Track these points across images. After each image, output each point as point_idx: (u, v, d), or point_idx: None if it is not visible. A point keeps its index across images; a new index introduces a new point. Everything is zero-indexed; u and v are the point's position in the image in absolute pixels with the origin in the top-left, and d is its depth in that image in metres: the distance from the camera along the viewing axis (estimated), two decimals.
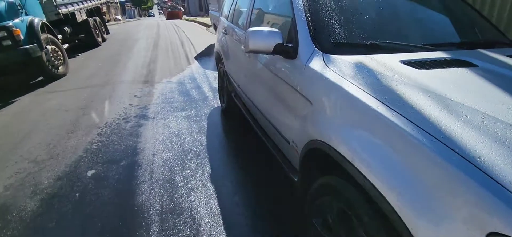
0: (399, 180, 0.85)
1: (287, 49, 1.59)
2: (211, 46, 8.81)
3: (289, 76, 1.58)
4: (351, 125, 1.08)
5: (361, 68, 1.24)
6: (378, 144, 0.95)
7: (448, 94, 0.99)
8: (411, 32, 1.66)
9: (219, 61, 3.75)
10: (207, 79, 5.26)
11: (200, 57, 7.36)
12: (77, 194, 2.19)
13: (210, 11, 9.35)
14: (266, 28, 1.64)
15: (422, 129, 0.85)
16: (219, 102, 3.97)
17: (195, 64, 6.57)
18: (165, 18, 34.02)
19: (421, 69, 1.19)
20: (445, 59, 1.31)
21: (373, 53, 1.38)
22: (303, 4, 1.66)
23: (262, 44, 1.62)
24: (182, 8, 36.06)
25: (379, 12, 1.71)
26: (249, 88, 2.31)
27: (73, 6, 8.07)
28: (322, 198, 1.32)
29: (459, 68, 1.22)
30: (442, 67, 1.23)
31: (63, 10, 7.19)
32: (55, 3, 6.62)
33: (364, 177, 0.95)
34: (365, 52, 1.40)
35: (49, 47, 5.79)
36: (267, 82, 1.88)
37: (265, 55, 1.88)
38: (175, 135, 3.08)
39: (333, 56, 1.37)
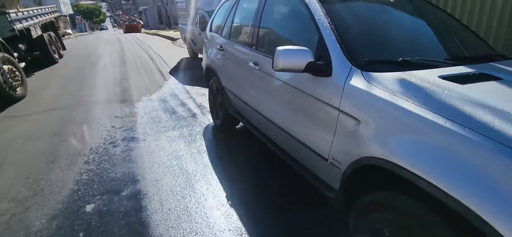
0: (486, 193, 0.89)
1: (319, 67, 1.61)
2: (184, 61, 8.61)
3: (324, 94, 1.59)
4: (419, 142, 1.11)
5: (408, 85, 1.30)
6: (456, 161, 0.98)
7: (502, 106, 1.07)
8: (428, 48, 1.78)
9: (210, 76, 3.66)
10: (189, 95, 5.10)
11: (175, 72, 7.13)
12: (81, 234, 1.95)
13: (179, 24, 9.16)
14: (295, 47, 1.64)
15: (498, 141, 0.91)
16: (211, 119, 3.86)
17: (172, 79, 6.34)
18: (122, 32, 32.49)
19: (462, 84, 1.27)
20: (473, 73, 1.42)
21: (406, 70, 1.45)
22: (329, 23, 1.69)
23: (293, 63, 1.61)
24: (141, 21, 34.76)
25: (399, 29, 1.82)
26: (263, 105, 2.28)
27: (28, 21, 7.35)
28: (374, 214, 1.33)
29: (491, 82, 1.33)
30: (476, 81, 1.33)
31: (18, 26, 6.50)
32: (9, 19, 5.96)
33: (445, 193, 0.97)
34: (398, 68, 1.47)
35: (5, 67, 5.18)
36: (292, 99, 1.87)
37: (287, 73, 1.87)
38: (174, 157, 2.91)
39: (374, 74, 1.42)
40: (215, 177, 2.54)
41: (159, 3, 34.21)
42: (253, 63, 2.34)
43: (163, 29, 27.59)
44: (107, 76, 7.15)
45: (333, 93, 1.53)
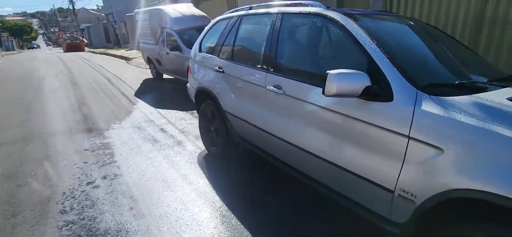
0: None
1: (376, 92, 1.50)
2: (148, 82, 8.00)
3: (385, 120, 1.47)
4: None
5: (490, 109, 1.25)
6: None
7: None
8: (466, 69, 1.81)
9: (201, 100, 3.36)
10: (167, 119, 4.66)
11: (141, 94, 6.53)
12: None
13: (141, 44, 8.54)
14: (349, 70, 1.51)
15: None
16: (201, 146, 3.52)
17: (141, 103, 5.78)
18: (62, 51, 29.48)
19: None
20: None
21: (467, 93, 1.42)
22: (377, 45, 1.61)
23: (348, 87, 1.48)
24: (84, 40, 32.04)
25: (435, 51, 1.82)
26: (288, 131, 2.09)
27: None
28: None
29: None
30: None
31: None
32: None
33: None
34: (460, 92, 1.43)
35: None
36: (336, 125, 1.72)
37: (326, 98, 1.73)
38: (177, 200, 2.51)
39: (447, 98, 1.35)
40: (236, 222, 2.23)
41: (105, 21, 32.08)
42: (274, 86, 2.16)
43: (111, 48, 25.79)
44: (59, 101, 6.25)
45: (399, 119, 1.42)
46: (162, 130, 4.21)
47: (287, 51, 2.22)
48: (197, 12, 7.35)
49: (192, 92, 3.57)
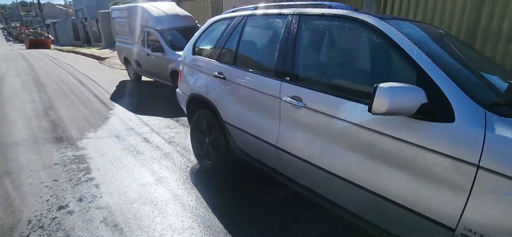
0: None
1: (434, 111, 1.27)
2: (125, 84, 7.40)
3: (444, 145, 1.24)
4: None
5: None
6: None
7: None
8: (502, 82, 1.63)
9: (195, 108, 3.00)
10: (151, 128, 4.21)
11: (119, 99, 5.96)
12: None
13: (118, 43, 7.91)
14: (402, 84, 1.27)
15: None
16: (193, 159, 3.15)
17: (119, 108, 5.24)
18: (25, 47, 27.20)
19: None
20: None
21: None
22: (427, 55, 1.38)
23: (403, 104, 1.24)
24: (50, 36, 29.77)
25: (476, 62, 1.63)
26: (308, 149, 1.81)
27: None
28: None
29: None
30: None
31: None
32: None
33: None
34: None
35: None
36: (375, 147, 1.46)
37: (361, 114, 1.48)
38: (173, 229, 2.13)
39: None
40: None
41: (74, 17, 30.11)
42: (292, 98, 1.87)
43: (81, 46, 24.21)
44: (22, 105, 5.53)
45: (464, 144, 1.19)
46: (146, 140, 3.76)
47: (308, 58, 1.96)
48: (181, 11, 6.91)
49: (183, 99, 3.19)
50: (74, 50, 19.54)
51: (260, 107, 2.18)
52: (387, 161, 1.44)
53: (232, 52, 2.54)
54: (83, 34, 27.28)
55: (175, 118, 4.57)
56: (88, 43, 24.83)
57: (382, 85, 1.25)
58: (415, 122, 1.32)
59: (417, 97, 1.25)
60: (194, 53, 3.07)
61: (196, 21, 7.12)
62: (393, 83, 1.26)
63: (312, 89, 1.78)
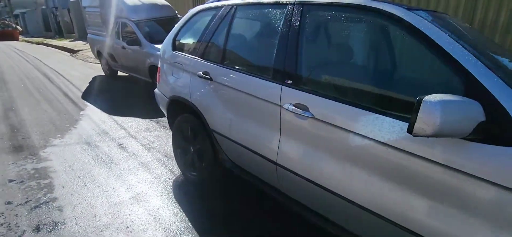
0: None
1: (495, 132, 0.97)
2: (99, 80, 6.80)
3: (505, 174, 0.95)
4: None
5: None
6: None
7: None
8: None
9: (177, 112, 2.61)
10: (126, 131, 3.76)
11: (91, 97, 5.41)
12: None
13: (90, 35, 7.24)
14: (453, 96, 0.96)
15: None
16: (176, 169, 2.77)
17: (91, 108, 4.72)
18: None
19: None
20: None
21: None
22: (478, 59, 1.08)
23: (457, 123, 0.93)
24: (18, 27, 27.71)
25: None
26: (324, 172, 1.48)
27: None
28: None
29: None
30: None
31: None
32: None
33: None
34: None
35: None
36: (420, 177, 1.16)
37: (395, 132, 1.17)
38: None
39: None
40: None
41: (44, 7, 28.14)
42: (295, 106, 1.54)
43: (52, 37, 22.67)
44: None
45: None
46: (121, 146, 3.32)
47: (316, 57, 1.62)
48: (159, 0, 6.36)
49: (162, 101, 2.79)
50: (45, 42, 18.22)
51: (255, 115, 1.83)
52: (425, 192, 1.14)
53: (220, 48, 2.17)
54: (55, 25, 25.62)
55: (155, 119, 4.13)
56: (60, 34, 23.33)
57: (429, 98, 0.93)
58: (467, 144, 1.02)
59: (474, 114, 0.95)
60: (174, 48, 2.66)
61: (176, 11, 6.60)
62: (443, 95, 0.95)
63: (321, 96, 1.45)
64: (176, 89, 2.52)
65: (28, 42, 20.19)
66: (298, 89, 1.56)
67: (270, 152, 1.73)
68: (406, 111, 1.16)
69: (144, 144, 3.39)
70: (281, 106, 1.63)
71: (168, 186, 2.55)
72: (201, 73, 2.20)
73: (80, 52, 11.49)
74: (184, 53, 2.50)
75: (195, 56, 2.34)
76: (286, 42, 1.66)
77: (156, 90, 2.97)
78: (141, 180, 2.65)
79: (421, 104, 0.93)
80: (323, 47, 1.64)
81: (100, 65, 7.60)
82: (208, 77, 2.14)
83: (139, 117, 4.23)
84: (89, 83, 6.52)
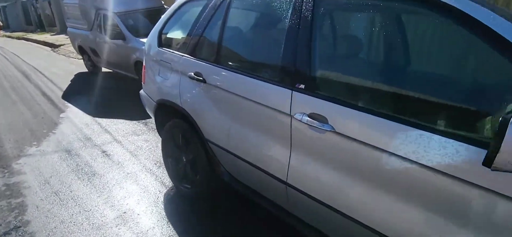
0: None
1: None
2: (82, 78, 6.36)
3: None
4: None
5: None
6: None
7: None
8: None
9: (166, 117, 2.30)
10: (111, 135, 3.43)
11: (73, 97, 5.00)
12: None
13: (70, 28, 6.75)
14: None
15: None
16: (167, 180, 2.47)
17: (73, 110, 4.33)
18: None
19: None
20: None
21: None
22: None
23: None
24: (0, 22, 26.37)
25: None
26: (350, 198, 1.21)
27: None
28: None
29: None
30: None
31: None
32: None
33: None
34: None
35: None
36: (483, 212, 0.90)
37: (448, 155, 0.91)
38: None
39: None
40: None
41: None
42: (311, 117, 1.26)
43: (33, 31, 21.63)
44: None
45: None
46: (105, 154, 3.00)
47: (336, 55, 1.33)
48: None
49: (149, 104, 2.47)
50: (25, 36, 17.35)
51: (258, 125, 1.54)
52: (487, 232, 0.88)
53: (213, 44, 1.85)
54: (35, 18, 24.49)
55: (143, 121, 3.80)
56: (41, 27, 22.31)
57: None
58: None
59: None
60: (160, 44, 2.32)
61: (163, 2, 6.17)
62: None
63: (345, 105, 1.17)
64: (164, 92, 2.20)
65: (8, 37, 19.22)
66: (313, 96, 1.28)
67: (278, 169, 1.45)
68: (465, 128, 0.89)
69: (131, 150, 3.07)
70: (291, 116, 1.34)
71: (158, 202, 2.26)
72: (192, 73, 1.88)
73: (61, 47, 10.86)
74: (171, 50, 2.17)
75: (185, 53, 2.02)
76: (296, 38, 1.36)
77: (141, 91, 2.64)
78: (128, 194, 2.35)
79: (508, 128, 0.66)
80: (345, 43, 1.35)
81: (83, 61, 7.12)
82: (201, 78, 1.83)
83: (126, 118, 3.89)
84: (71, 81, 6.08)
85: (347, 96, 1.20)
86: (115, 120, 3.85)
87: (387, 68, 1.18)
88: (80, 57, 7.46)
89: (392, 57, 1.20)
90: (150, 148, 3.08)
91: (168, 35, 2.31)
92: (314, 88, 1.29)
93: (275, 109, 1.41)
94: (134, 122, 3.79)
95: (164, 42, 2.31)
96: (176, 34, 2.23)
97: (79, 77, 6.39)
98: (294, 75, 1.36)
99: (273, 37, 1.52)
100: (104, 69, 6.46)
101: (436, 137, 0.95)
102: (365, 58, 1.32)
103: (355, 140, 1.14)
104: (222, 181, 1.96)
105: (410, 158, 1.00)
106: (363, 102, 1.15)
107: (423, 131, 0.97)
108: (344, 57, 1.34)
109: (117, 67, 5.53)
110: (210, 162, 1.99)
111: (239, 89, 1.61)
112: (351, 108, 1.15)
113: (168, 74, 2.16)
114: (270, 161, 1.49)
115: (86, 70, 6.82)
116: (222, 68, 1.74)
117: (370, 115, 1.09)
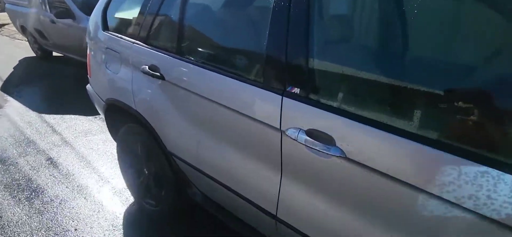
0: None
1: None
2: (28, 63, 5.51)
3: None
4: None
5: None
6: None
7: None
8: None
9: (120, 120, 1.84)
10: (61, 136, 2.88)
11: (16, 88, 4.25)
12: None
13: (7, 5, 5.76)
14: None
15: None
16: (128, 195, 2.05)
17: (13, 105, 3.64)
18: None
19: None
20: None
21: None
22: None
23: None
24: None
25: None
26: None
27: None
28: None
29: None
30: None
31: None
32: None
33: None
34: None
35: None
36: None
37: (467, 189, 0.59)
38: None
39: None
40: None
41: None
42: (309, 135, 0.89)
43: None
44: None
45: None
46: (51, 161, 2.48)
47: (346, 45, 0.95)
48: None
49: (98, 103, 1.99)
50: None
51: (237, 140, 1.16)
52: None
53: (174, 28, 1.40)
54: None
55: (101, 116, 3.23)
56: None
57: None
58: None
59: None
60: (105, 26, 1.81)
61: None
62: None
63: (360, 121, 0.81)
64: (114, 89, 1.73)
65: None
66: (313, 105, 0.90)
67: (265, 200, 1.10)
68: None
69: (85, 155, 2.57)
70: (282, 132, 0.97)
71: (116, 225, 1.84)
72: (147, 67, 1.43)
73: (5, 26, 9.50)
74: (120, 35, 1.68)
75: (137, 40, 1.55)
76: (287, 16, 0.96)
77: (88, 86, 2.14)
78: (77, 216, 1.90)
79: None
80: (362, 24, 0.96)
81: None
82: (158, 74, 1.38)
83: (80, 113, 3.32)
84: (14, 68, 5.22)
85: (365, 108, 0.84)
86: (66, 117, 3.27)
87: (435, 68, 0.80)
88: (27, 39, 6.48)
89: (443, 50, 0.81)
90: (108, 152, 2.60)
91: (116, 15, 1.80)
92: (315, 93, 0.92)
93: (258, 121, 1.03)
94: (90, 118, 3.24)
95: (110, 24, 1.80)
96: (125, 14, 1.73)
97: (24, 63, 5.52)
98: (284, 73, 0.97)
99: (255, 18, 1.12)
100: (55, 53, 5.63)
101: (509, 177, 0.63)
102: (397, 48, 0.92)
103: (376, 172, 0.79)
104: (194, 200, 1.58)
105: (465, 206, 0.67)
106: (391, 117, 0.80)
107: (488, 168, 0.65)
108: (359, 48, 0.96)
109: (68, 50, 4.78)
110: (178, 180, 1.59)
111: (208, 90, 1.20)
112: (372, 126, 0.80)
113: (118, 67, 1.68)
114: (253, 188, 1.13)
115: (34, 55, 5.92)
116: (186, 60, 1.31)
117: (401, 138, 0.75)
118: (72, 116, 3.28)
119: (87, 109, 3.34)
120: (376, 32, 0.92)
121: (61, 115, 3.31)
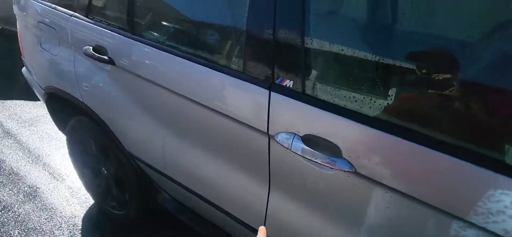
0: None
1: None
2: None
3: None
4: None
5: None
6: None
7: None
8: None
9: (66, 113, 1.52)
10: (2, 127, 2.45)
11: None
12: None
13: None
14: None
15: None
16: (87, 198, 1.77)
17: None
18: None
19: None
20: None
21: None
22: None
23: None
24: None
25: None
26: None
27: None
28: None
29: None
30: None
31: None
32: None
33: None
34: None
35: None
36: None
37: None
38: None
39: None
40: None
41: None
42: (307, 143, 0.68)
43: None
44: None
45: None
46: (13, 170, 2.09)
47: (356, 24, 0.71)
48: None
49: (37, 89, 1.63)
50: None
51: (212, 144, 0.92)
52: None
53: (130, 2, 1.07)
54: None
55: None
56: None
57: None
58: None
59: None
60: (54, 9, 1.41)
61: None
62: None
63: (374, 127, 0.61)
64: (53, 75, 1.39)
65: None
66: (309, 103, 0.69)
67: (249, 215, 0.90)
68: None
69: (33, 149, 2.20)
70: (270, 137, 0.75)
71: (75, 231, 1.58)
72: (91, 49, 1.11)
73: None
74: (54, 5, 1.31)
75: (77, 12, 1.20)
76: None
77: (24, 69, 1.75)
78: (25, 227, 1.60)
79: None
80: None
81: None
82: (106, 57, 1.08)
83: (24, 98, 2.85)
84: None
85: (383, 108, 0.63)
86: (6, 102, 2.79)
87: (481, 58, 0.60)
88: None
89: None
90: (60, 143, 2.24)
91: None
92: (314, 86, 0.70)
93: (238, 122, 0.80)
94: (38, 103, 2.79)
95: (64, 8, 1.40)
96: None
97: None
98: (272, 58, 0.73)
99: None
100: (6, 26, 4.80)
101: None
102: (438, 34, 0.67)
103: (395, 192, 0.61)
104: (162, 206, 1.35)
105: (494, 231, 0.52)
106: (422, 125, 0.60)
107: None
108: (383, 21, 0.70)
109: (6, 22, 4.08)
110: (142, 184, 1.34)
111: (171, 80, 0.93)
112: (392, 133, 0.60)
113: (56, 47, 1.33)
114: (235, 203, 0.92)
115: None
116: (141, 41, 1.01)
117: (438, 152, 0.56)
118: (15, 101, 2.81)
119: (33, 93, 2.89)
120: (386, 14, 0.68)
121: (1, 101, 2.82)
